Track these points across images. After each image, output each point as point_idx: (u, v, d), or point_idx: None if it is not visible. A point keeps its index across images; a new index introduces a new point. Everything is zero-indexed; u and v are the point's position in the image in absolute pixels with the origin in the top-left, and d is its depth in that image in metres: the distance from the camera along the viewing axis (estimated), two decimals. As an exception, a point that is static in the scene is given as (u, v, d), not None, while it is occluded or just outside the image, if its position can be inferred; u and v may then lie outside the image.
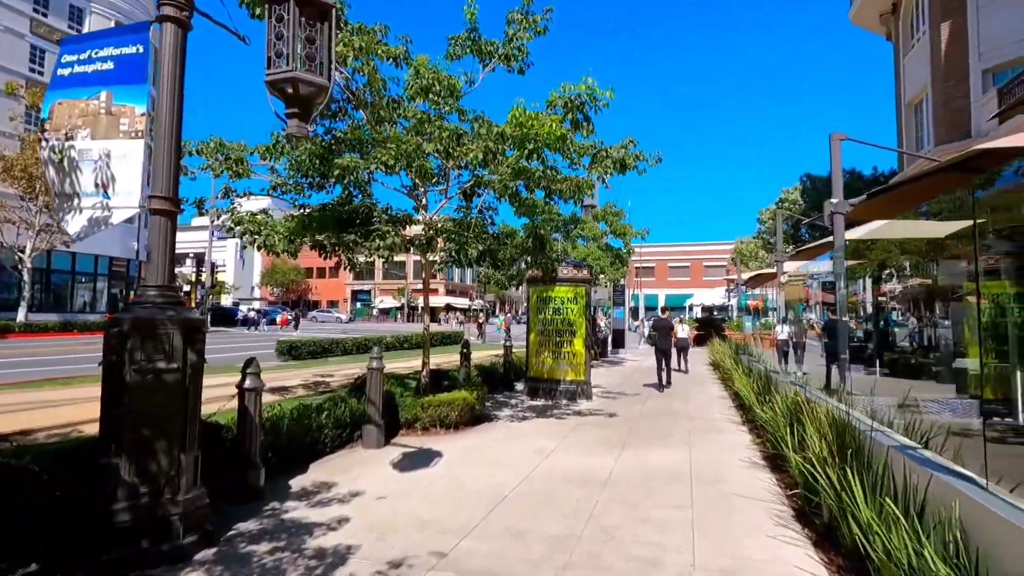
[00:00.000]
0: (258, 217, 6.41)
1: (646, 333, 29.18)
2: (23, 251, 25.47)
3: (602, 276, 16.82)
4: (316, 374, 13.43)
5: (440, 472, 5.67)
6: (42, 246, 26.09)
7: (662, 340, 12.55)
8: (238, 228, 6.34)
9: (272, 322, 44.45)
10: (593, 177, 7.19)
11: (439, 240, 6.98)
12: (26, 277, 25.80)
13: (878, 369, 11.29)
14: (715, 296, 41.88)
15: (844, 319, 6.43)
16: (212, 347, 20.98)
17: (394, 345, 20.76)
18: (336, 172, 6.00)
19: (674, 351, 14.51)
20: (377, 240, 6.12)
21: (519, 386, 11.70)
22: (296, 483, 5.20)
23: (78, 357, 16.00)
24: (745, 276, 17.07)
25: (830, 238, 7.06)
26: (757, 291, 22.18)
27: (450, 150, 6.20)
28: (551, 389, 10.36)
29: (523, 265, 9.91)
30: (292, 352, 15.88)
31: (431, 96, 6.47)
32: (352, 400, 6.81)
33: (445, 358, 16.06)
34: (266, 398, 9.10)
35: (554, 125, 5.65)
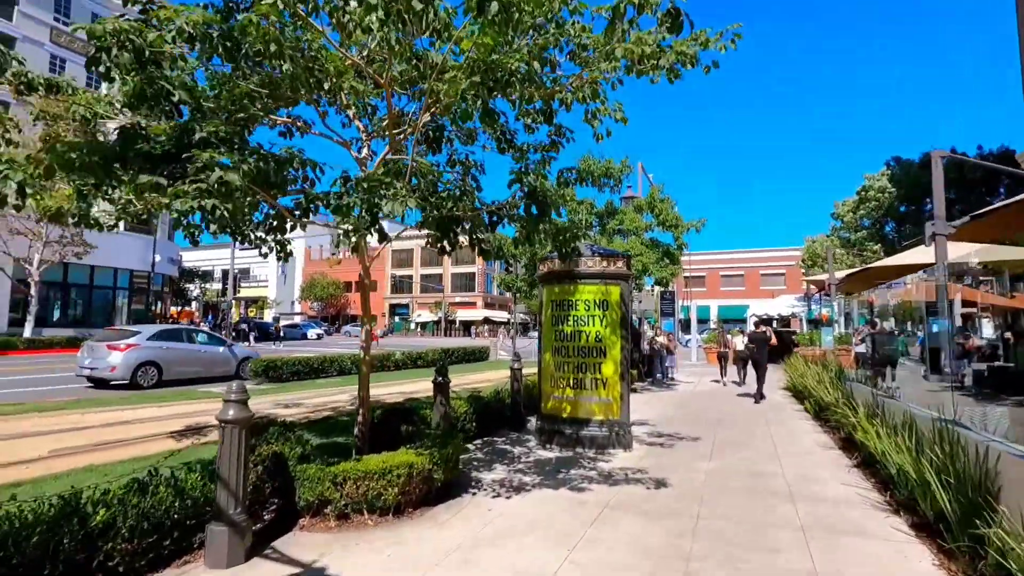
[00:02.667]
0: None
1: (702, 346, 25.77)
2: (31, 263, 24.28)
3: (647, 277, 13.47)
4: (280, 402, 10.66)
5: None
6: (54, 259, 24.86)
7: (758, 353, 12.00)
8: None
9: (303, 336, 43.45)
10: (619, 71, 3.99)
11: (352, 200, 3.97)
12: (33, 291, 24.56)
13: None
14: (779, 306, 37.17)
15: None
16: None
17: (403, 363, 17.92)
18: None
19: (733, 366, 14.71)
20: (194, 183, 3.11)
21: (533, 423, 8.53)
22: None
23: (51, 377, 13.97)
24: (840, 275, 13.26)
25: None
26: (843, 297, 18.12)
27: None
28: (572, 434, 7.13)
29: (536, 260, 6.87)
30: (269, 373, 13.20)
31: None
32: (192, 476, 3.84)
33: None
34: (118, 453, 5.89)
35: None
